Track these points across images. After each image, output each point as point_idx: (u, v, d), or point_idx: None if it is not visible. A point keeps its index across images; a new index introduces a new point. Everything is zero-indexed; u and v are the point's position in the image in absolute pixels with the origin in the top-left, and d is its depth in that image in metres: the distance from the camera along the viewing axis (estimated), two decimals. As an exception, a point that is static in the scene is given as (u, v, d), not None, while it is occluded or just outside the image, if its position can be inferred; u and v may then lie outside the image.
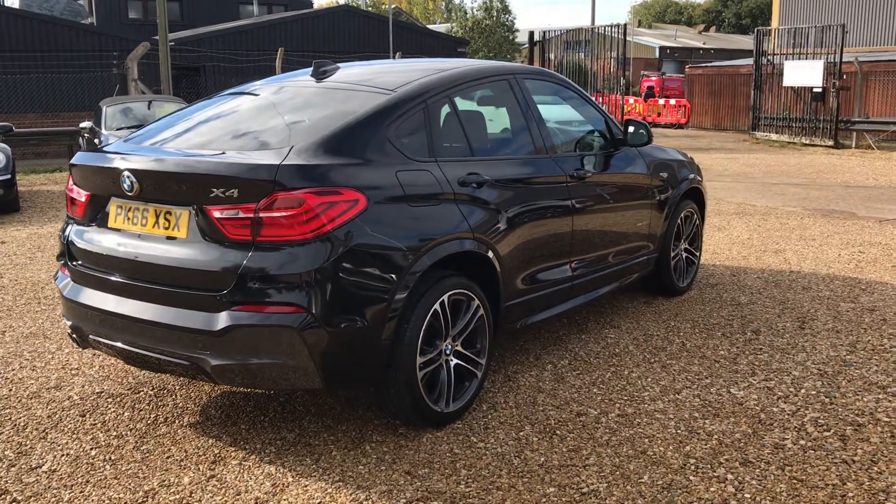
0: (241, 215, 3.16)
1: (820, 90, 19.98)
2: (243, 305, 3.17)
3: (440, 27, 55.85)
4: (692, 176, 5.98)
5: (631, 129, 5.16)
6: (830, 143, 19.67)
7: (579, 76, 20.76)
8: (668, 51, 51.95)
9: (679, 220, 5.85)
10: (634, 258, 5.35)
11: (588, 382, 4.26)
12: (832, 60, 19.64)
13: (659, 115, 29.15)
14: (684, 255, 6.05)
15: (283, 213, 3.13)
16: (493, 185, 4.00)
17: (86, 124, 13.82)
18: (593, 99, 5.16)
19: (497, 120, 4.59)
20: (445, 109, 4.04)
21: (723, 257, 7.30)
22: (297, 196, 3.15)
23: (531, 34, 22.44)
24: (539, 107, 4.63)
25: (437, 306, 3.55)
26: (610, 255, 5.05)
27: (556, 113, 5.34)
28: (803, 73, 20.35)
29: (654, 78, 36.92)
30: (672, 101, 29.17)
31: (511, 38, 50.15)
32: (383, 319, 3.33)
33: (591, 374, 4.40)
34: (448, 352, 3.72)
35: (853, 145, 19.65)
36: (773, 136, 21.41)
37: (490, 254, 3.88)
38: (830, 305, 5.69)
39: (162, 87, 18.52)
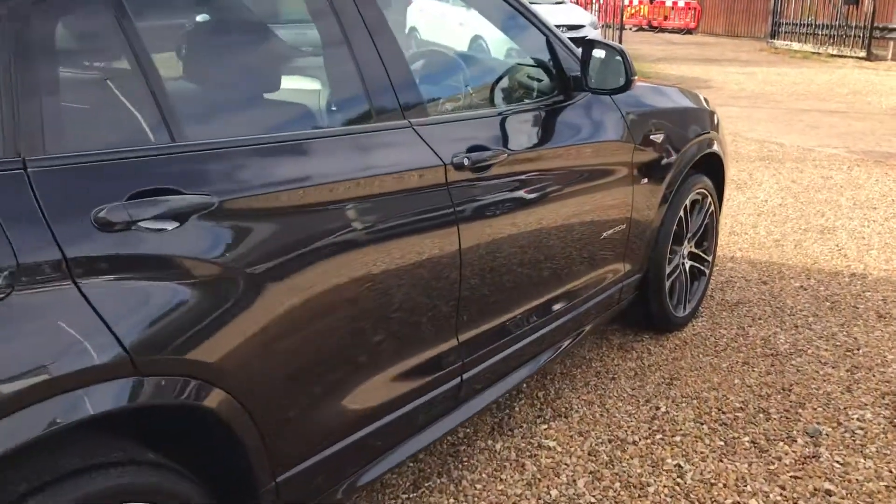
0: None
1: (854, -9, 17.07)
2: None
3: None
4: (706, 134, 3.53)
5: (596, 59, 2.71)
6: (862, 53, 16.88)
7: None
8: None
9: (682, 211, 3.45)
10: (594, 295, 2.99)
11: None
12: (870, -46, 16.68)
13: (665, 18, 26.06)
14: (688, 265, 3.67)
15: None
16: (225, 214, 1.63)
17: None
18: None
19: (254, 46, 2.14)
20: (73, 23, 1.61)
21: (746, 242, 4.91)
22: None
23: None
24: (391, 15, 2.19)
25: None
26: (545, 303, 2.70)
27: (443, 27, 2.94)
28: (835, -30, 17.40)
29: (661, -25, 33.42)
30: (681, 3, 26.01)
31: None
32: None
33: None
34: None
35: (889, 56, 16.84)
36: (795, 46, 18.57)
37: (215, 400, 1.58)
38: (933, 362, 3.36)
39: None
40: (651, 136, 3.12)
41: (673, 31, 25.28)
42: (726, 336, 3.61)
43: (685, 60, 16.61)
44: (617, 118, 2.95)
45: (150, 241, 1.51)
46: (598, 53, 2.70)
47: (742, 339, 3.58)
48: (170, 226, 1.54)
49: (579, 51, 2.79)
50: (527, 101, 2.80)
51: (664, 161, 3.21)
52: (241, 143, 1.76)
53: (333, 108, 2.16)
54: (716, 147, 3.61)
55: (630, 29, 24.72)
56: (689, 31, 24.98)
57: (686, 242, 3.60)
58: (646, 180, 3.11)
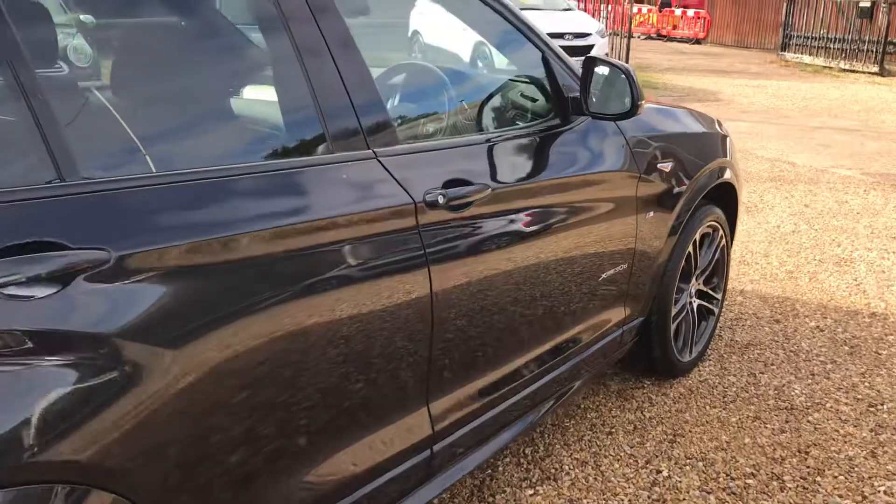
0: None
1: (868, 4, 16.71)
2: None
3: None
4: (719, 160, 3.20)
5: (598, 79, 2.37)
6: (875, 69, 16.50)
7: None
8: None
9: (691, 245, 3.11)
10: (589, 345, 2.65)
11: None
12: (886, -32, 16.33)
13: (674, 27, 25.71)
14: (696, 304, 3.33)
15: None
16: (125, 273, 1.29)
17: None
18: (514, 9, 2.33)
19: (177, 56, 1.79)
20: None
21: (757, 273, 4.57)
22: None
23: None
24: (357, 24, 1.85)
25: None
26: (532, 360, 2.36)
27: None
28: (849, -16, 17.06)
29: (670, -17, 33.09)
30: (690, 12, 25.66)
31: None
32: None
33: None
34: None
35: (902, 73, 16.49)
36: (807, 59, 18.21)
37: None
38: (966, 422, 3.02)
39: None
40: (658, 165, 2.78)
41: (682, 40, 24.93)
42: (736, 384, 3.27)
43: (693, 71, 16.27)
44: (620, 145, 2.61)
45: (18, 312, 1.18)
46: (602, 72, 2.36)
47: (753, 388, 3.24)
48: (47, 291, 1.21)
49: (579, 68, 2.46)
50: (519, 124, 2.46)
51: (672, 192, 2.87)
52: (152, 180, 1.42)
53: (277, 137, 1.82)
54: (728, 175, 3.27)
55: (638, 37, 24.39)
56: (697, 41, 24.63)
57: (694, 280, 3.26)
58: (651, 214, 2.77)
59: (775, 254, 4.90)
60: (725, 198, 3.35)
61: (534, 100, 2.53)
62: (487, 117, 2.44)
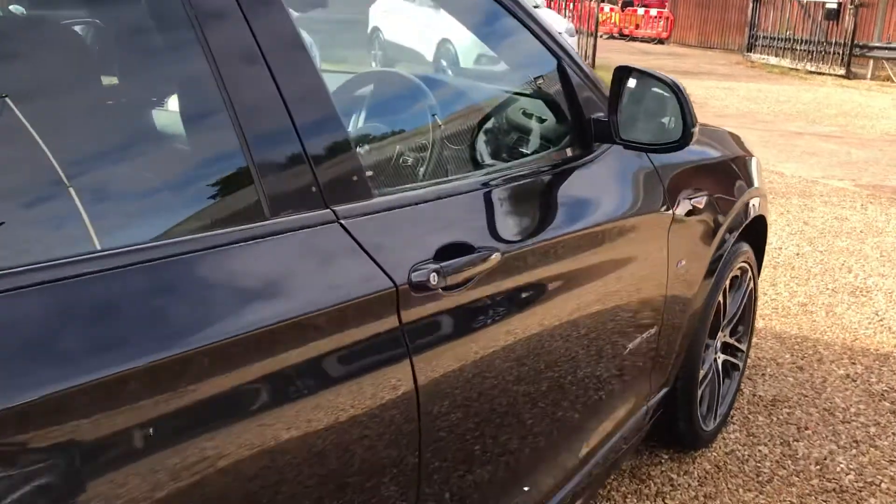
0: None
1: (835, 6, 16.51)
2: None
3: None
4: (753, 189, 2.64)
5: (632, 95, 1.78)
6: (842, 71, 16.29)
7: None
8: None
9: (721, 293, 2.55)
10: (608, 438, 2.06)
11: None
12: (853, -31, 16.13)
13: (637, 26, 25.39)
14: (721, 360, 2.77)
15: None
16: None
17: None
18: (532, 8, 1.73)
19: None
20: None
21: (767, 306, 4.04)
22: None
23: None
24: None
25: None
26: (540, 470, 1.76)
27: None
28: (815, -16, 16.84)
29: (632, -17, 32.83)
30: (653, 11, 25.35)
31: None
32: None
33: None
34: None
35: (868, 76, 16.28)
36: (773, 60, 17.96)
37: None
38: None
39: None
40: (693, 201, 2.21)
41: (644, 40, 24.62)
42: (769, 457, 2.72)
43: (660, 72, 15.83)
44: (651, 178, 2.03)
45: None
46: (638, 86, 1.77)
47: (790, 461, 2.70)
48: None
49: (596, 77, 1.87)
50: (526, 155, 1.86)
51: (706, 233, 2.31)
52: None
53: (185, 197, 1.18)
54: (761, 206, 2.73)
55: (602, 36, 24.02)
56: (660, 41, 24.34)
57: (721, 332, 2.71)
58: (683, 262, 2.20)
59: (783, 282, 4.39)
60: (755, 232, 2.80)
61: (541, 119, 1.94)
62: (485, 147, 1.83)
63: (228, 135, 1.08)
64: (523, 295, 1.50)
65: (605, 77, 1.95)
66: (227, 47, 1.09)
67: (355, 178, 1.25)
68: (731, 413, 2.97)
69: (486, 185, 1.58)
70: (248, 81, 1.11)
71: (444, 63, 9.91)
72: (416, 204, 1.36)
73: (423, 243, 1.31)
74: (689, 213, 2.19)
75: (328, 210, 1.19)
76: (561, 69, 1.83)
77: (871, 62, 16.43)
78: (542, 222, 1.62)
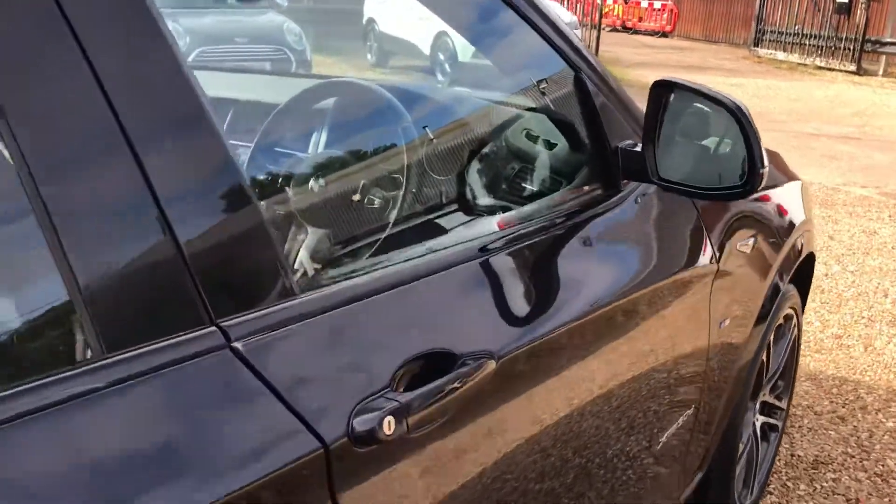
0: None
1: (846, 0, 16.00)
2: None
3: None
4: (804, 224, 2.18)
5: (677, 119, 1.31)
6: (852, 67, 15.79)
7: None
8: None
9: (765, 350, 2.09)
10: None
11: None
12: (865, -38, 15.62)
13: (640, 19, 24.89)
14: (759, 423, 2.32)
15: None
16: None
17: None
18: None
19: None
20: None
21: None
22: None
23: None
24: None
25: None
26: None
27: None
28: (826, -23, 16.35)
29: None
30: (657, 4, 24.82)
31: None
32: None
33: None
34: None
35: (880, 72, 15.76)
36: (780, 55, 17.45)
37: None
38: None
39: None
40: (739, 246, 1.75)
41: (647, 33, 24.11)
42: (818, 543, 2.27)
43: (665, 67, 15.36)
44: (692, 224, 1.57)
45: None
46: (683, 107, 1.30)
47: (843, 549, 2.25)
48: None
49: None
50: (531, 196, 1.38)
51: (754, 283, 1.85)
52: None
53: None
54: (812, 243, 2.27)
55: (605, 29, 23.50)
56: (664, 35, 23.82)
57: (762, 391, 2.25)
58: (727, 322, 1.74)
59: (812, 308, 3.93)
60: (798, 271, 2.34)
61: (550, 144, 1.48)
62: (478, 185, 1.36)
63: (38, 221, 0.62)
64: (525, 416, 1.04)
65: (615, 73, 1.49)
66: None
67: (265, 268, 0.79)
68: (769, 480, 2.51)
69: (472, 253, 1.11)
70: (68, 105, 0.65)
71: (441, 57, 9.43)
72: (367, 297, 0.90)
73: (374, 362, 0.84)
74: (735, 262, 1.73)
75: (212, 325, 0.73)
76: (579, 82, 1.36)
77: (884, 58, 15.93)
78: (551, 304, 1.16)
